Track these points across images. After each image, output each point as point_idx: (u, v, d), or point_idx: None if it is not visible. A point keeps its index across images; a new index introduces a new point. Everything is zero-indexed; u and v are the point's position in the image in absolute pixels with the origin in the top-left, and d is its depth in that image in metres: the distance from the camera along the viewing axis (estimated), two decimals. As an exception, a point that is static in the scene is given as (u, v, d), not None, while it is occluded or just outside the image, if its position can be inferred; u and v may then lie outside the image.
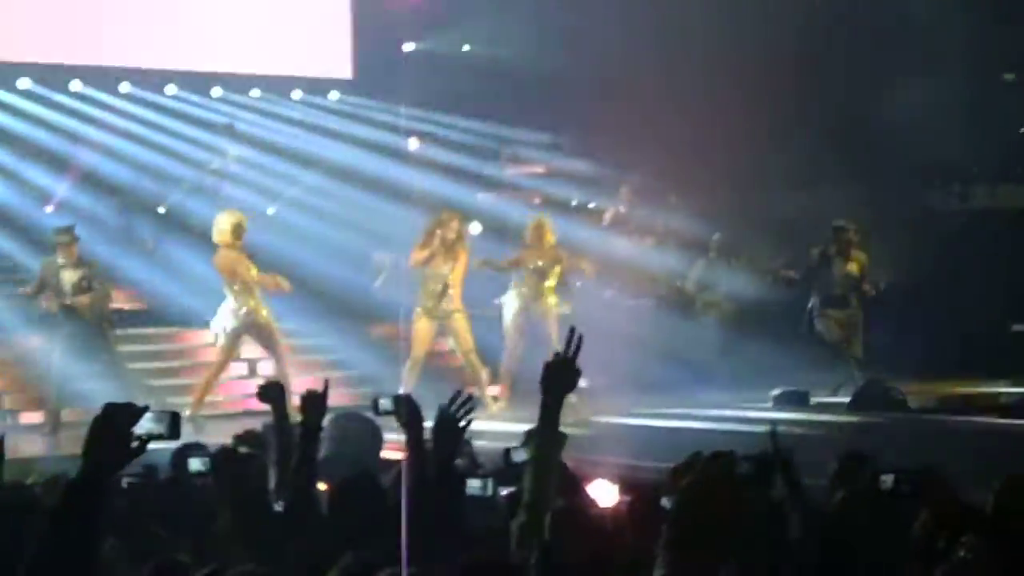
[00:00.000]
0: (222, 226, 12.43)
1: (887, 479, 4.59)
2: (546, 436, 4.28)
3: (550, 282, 13.85)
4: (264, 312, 12.54)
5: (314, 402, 5.32)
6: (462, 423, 4.66)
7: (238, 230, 12.40)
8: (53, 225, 13.36)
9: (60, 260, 12.76)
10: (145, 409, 3.20)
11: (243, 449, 6.16)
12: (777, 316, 15.09)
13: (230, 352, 12.65)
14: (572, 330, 4.34)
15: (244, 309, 12.39)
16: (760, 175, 16.12)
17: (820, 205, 15.60)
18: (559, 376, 4.30)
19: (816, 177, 16.09)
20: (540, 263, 13.78)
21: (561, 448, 4.43)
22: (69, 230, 12.97)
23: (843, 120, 16.45)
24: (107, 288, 13.00)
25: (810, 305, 14.48)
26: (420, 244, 13.11)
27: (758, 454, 4.70)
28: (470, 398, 4.73)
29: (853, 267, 14.30)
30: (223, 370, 12.81)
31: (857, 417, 12.21)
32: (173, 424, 3.28)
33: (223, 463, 5.60)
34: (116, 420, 3.14)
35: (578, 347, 4.30)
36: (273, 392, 6.08)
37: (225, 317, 12.49)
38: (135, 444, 3.14)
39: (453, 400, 4.69)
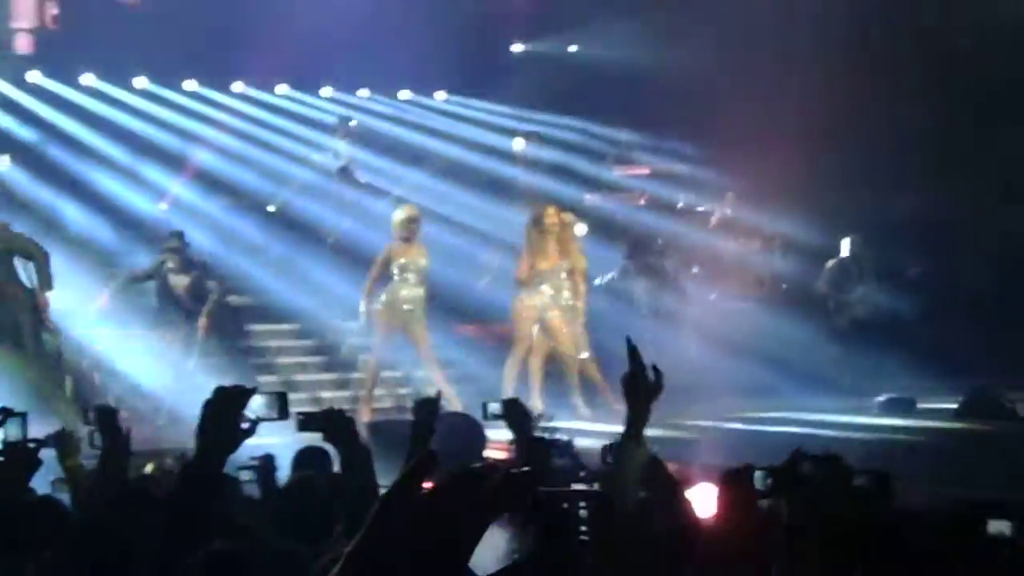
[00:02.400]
0: (393, 219, 12.91)
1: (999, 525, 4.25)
2: (627, 447, 4.25)
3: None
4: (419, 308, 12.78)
5: (428, 405, 5.32)
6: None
7: (407, 224, 12.72)
8: (168, 229, 13.71)
9: (169, 264, 13.13)
10: (254, 391, 3.22)
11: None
12: (902, 322, 14.95)
13: (389, 332, 12.83)
14: (628, 341, 4.30)
15: (408, 295, 12.61)
16: (868, 176, 15.93)
17: (931, 206, 15.42)
18: (635, 389, 4.27)
19: (926, 178, 15.87)
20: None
21: (642, 459, 4.40)
22: (179, 236, 13.32)
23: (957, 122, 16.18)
24: (222, 287, 13.35)
25: None
26: (524, 255, 13.16)
27: (876, 468, 4.62)
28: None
29: None
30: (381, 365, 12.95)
31: (963, 424, 12.03)
32: (282, 406, 3.34)
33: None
34: (227, 403, 3.16)
35: (637, 358, 4.27)
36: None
37: (388, 301, 12.75)
38: (246, 426, 3.17)
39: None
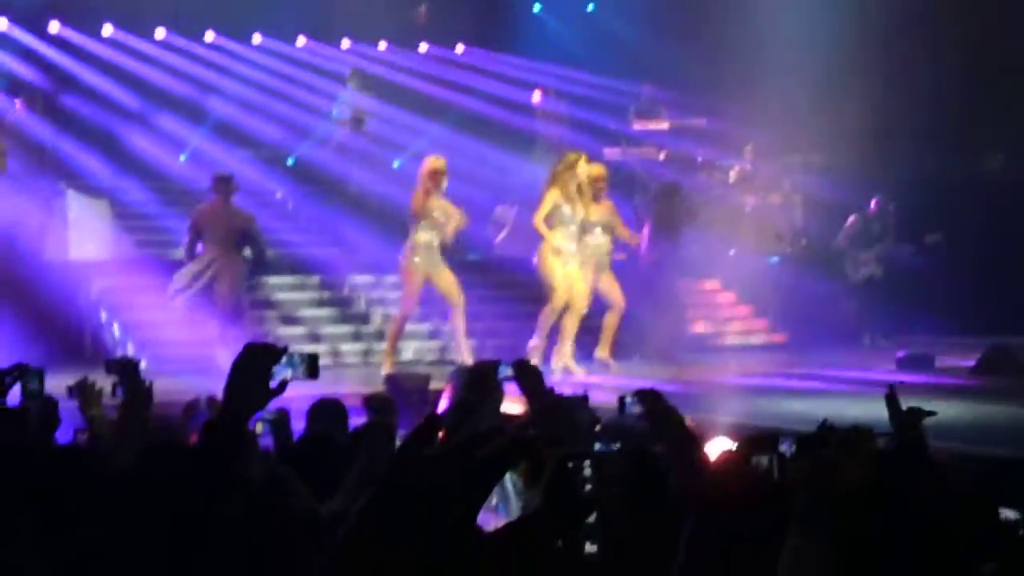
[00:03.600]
0: (421, 169, 12.72)
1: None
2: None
3: None
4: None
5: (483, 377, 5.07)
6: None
7: (434, 175, 12.57)
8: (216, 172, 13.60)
9: (220, 207, 13.04)
10: (284, 350, 3.21)
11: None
12: (919, 281, 14.94)
13: (419, 288, 12.69)
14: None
15: (435, 244, 12.54)
16: (892, 132, 15.85)
17: (947, 166, 15.37)
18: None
19: (950, 136, 15.81)
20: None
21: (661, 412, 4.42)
22: (229, 179, 13.24)
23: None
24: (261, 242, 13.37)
25: None
26: (543, 199, 12.85)
27: (896, 432, 4.61)
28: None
29: None
30: (410, 314, 12.92)
31: (981, 381, 12.03)
32: (311, 365, 3.34)
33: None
34: (256, 361, 3.15)
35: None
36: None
37: (416, 252, 12.57)
38: (275, 385, 3.15)
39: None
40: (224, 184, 13.09)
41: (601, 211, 13.06)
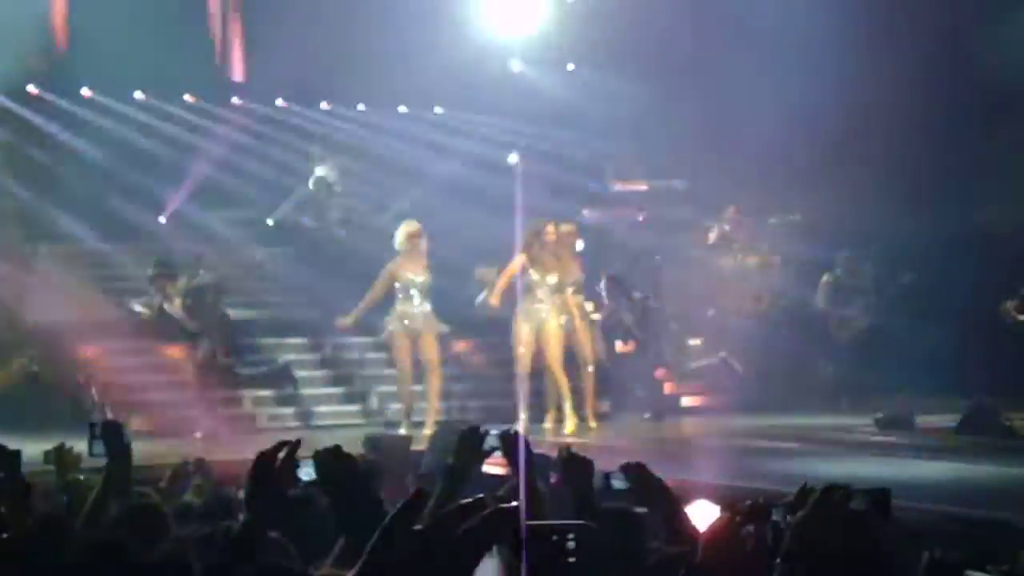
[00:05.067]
0: (398, 234, 13.09)
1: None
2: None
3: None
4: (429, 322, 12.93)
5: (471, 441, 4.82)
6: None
7: (410, 238, 12.95)
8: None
9: (158, 297, 13.40)
10: (298, 444, 3.14)
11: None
12: (896, 338, 14.96)
13: (407, 354, 12.97)
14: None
15: (412, 311, 12.81)
16: (868, 193, 15.93)
17: (926, 226, 15.41)
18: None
19: (924, 197, 15.88)
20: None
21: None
22: (162, 263, 13.49)
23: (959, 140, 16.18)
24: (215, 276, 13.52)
25: None
26: (514, 259, 13.15)
27: (874, 489, 4.61)
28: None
29: None
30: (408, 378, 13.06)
31: (963, 441, 12.02)
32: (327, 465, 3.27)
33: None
34: (269, 468, 3.05)
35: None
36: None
37: (395, 320, 12.90)
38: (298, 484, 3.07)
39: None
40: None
41: (574, 270, 13.36)
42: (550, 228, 13.29)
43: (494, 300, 13.14)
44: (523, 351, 12.94)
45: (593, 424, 13.16)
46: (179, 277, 13.61)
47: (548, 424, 13.00)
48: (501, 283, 13.16)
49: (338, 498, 3.45)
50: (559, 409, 13.12)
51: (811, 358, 15.51)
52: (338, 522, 3.53)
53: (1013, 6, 15.44)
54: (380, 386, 14.13)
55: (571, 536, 3.73)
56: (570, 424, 12.90)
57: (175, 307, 13.32)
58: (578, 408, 13.13)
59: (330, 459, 3.51)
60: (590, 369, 13.33)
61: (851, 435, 12.50)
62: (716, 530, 3.32)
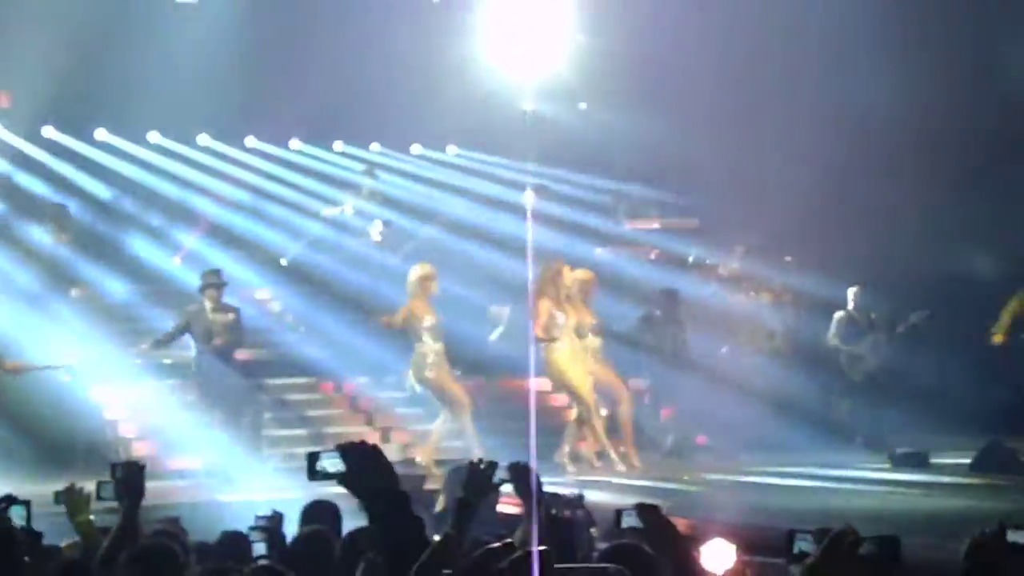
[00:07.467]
0: (410, 277, 13.07)
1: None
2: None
3: None
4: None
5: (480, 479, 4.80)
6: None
7: (422, 281, 12.92)
8: (205, 269, 13.66)
9: (208, 304, 13.02)
10: None
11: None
12: (910, 375, 14.93)
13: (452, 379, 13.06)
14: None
15: (430, 356, 12.82)
16: (879, 228, 15.94)
17: (941, 261, 15.42)
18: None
19: (942, 231, 15.87)
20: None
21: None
22: (217, 272, 13.31)
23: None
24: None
25: None
26: (537, 311, 13.12)
27: (883, 536, 4.59)
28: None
29: None
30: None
31: (978, 479, 11.98)
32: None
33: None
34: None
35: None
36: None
37: (418, 368, 12.91)
38: None
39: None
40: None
41: (591, 314, 13.34)
42: (566, 271, 13.28)
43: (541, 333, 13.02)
44: (577, 383, 12.92)
45: (637, 463, 13.08)
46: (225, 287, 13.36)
47: (562, 460, 12.93)
48: (538, 326, 13.01)
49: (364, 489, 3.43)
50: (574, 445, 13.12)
51: (825, 395, 15.46)
52: (365, 511, 3.50)
53: None
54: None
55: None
56: (627, 462, 12.89)
57: (216, 317, 13.02)
58: (615, 446, 13.09)
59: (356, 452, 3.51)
60: (625, 407, 13.29)
61: (866, 472, 12.46)
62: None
